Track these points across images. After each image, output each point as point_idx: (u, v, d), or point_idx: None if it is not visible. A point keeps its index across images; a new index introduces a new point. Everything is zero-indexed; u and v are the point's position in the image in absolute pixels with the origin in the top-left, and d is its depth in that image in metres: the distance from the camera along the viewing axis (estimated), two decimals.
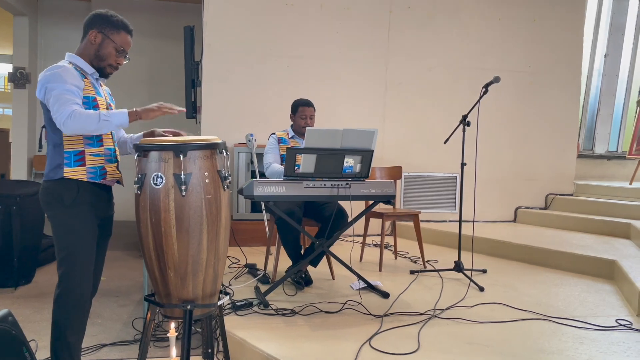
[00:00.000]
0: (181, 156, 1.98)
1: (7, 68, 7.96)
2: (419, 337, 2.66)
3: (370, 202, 3.61)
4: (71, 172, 2.18)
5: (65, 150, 2.18)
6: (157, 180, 2.00)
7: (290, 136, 3.88)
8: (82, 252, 2.22)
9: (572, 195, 6.23)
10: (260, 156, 4.74)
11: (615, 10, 7.07)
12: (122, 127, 2.19)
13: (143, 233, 2.05)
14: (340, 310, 3.07)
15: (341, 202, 3.55)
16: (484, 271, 4.08)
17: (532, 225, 5.80)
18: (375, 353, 2.46)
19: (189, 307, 2.05)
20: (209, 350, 2.31)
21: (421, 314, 3.02)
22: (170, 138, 2.19)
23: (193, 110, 5.63)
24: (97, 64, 2.29)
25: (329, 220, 3.41)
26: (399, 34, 5.75)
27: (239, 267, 4.06)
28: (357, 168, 3.28)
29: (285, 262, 3.69)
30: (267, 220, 4.79)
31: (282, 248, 3.61)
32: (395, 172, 4.60)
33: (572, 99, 6.31)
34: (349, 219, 3.55)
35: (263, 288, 3.36)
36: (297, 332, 2.73)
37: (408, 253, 4.74)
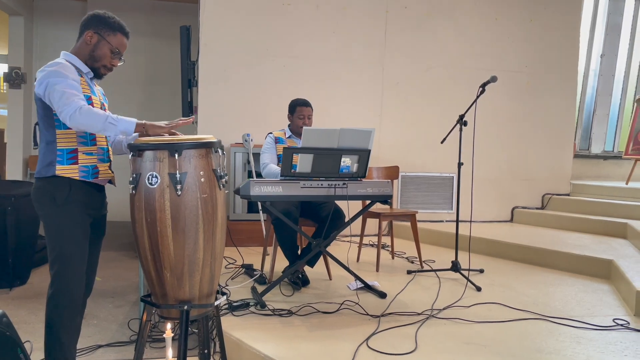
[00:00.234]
0: (176, 155, 1.97)
1: (3, 68, 7.92)
2: (416, 337, 2.65)
3: (368, 202, 3.60)
4: (63, 170, 2.17)
5: (58, 147, 2.17)
6: (152, 180, 1.98)
7: (287, 136, 3.86)
8: (74, 252, 2.20)
9: (568, 195, 6.24)
10: (257, 156, 4.73)
11: (612, 10, 7.08)
12: (126, 134, 2.16)
13: (138, 233, 2.04)
14: (338, 310, 3.06)
15: (338, 202, 3.54)
16: (481, 271, 4.08)
17: (529, 225, 5.81)
18: (372, 353, 2.45)
19: (185, 307, 2.04)
20: (206, 351, 2.29)
21: (418, 314, 3.02)
22: (166, 137, 2.18)
23: (189, 110, 5.61)
24: (91, 64, 2.28)
25: (325, 220, 3.40)
26: (396, 34, 5.75)
27: (236, 268, 4.05)
28: (354, 168, 3.27)
29: (282, 262, 3.68)
30: (264, 220, 4.78)
31: (279, 248, 3.60)
32: (392, 172, 4.59)
33: (569, 99, 6.32)
34: (346, 219, 3.54)
35: (260, 288, 3.34)
36: (294, 332, 2.72)
37: (405, 253, 4.73)
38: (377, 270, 4.09)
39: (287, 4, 5.43)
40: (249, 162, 4.96)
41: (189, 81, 5.49)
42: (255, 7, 5.36)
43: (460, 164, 3.86)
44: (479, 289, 3.56)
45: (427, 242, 5.11)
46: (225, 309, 2.99)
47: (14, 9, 7.02)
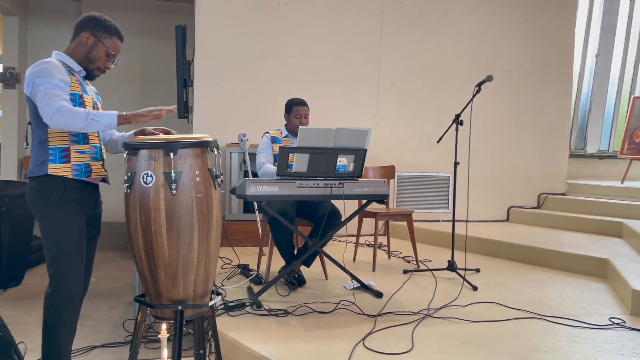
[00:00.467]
0: (171, 154, 1.96)
1: None
2: (412, 336, 2.65)
3: (364, 201, 3.60)
4: (56, 169, 2.17)
5: (50, 146, 2.17)
6: (147, 179, 1.97)
7: (284, 135, 3.85)
8: (72, 250, 2.20)
9: (564, 194, 6.25)
10: (253, 156, 4.71)
11: (607, 10, 7.10)
12: (110, 128, 2.17)
13: (133, 233, 2.02)
14: (334, 310, 3.05)
15: (334, 202, 3.53)
16: (478, 270, 4.08)
17: (525, 225, 5.82)
18: (369, 353, 2.44)
19: (179, 307, 2.02)
20: (201, 352, 2.28)
21: (415, 313, 3.01)
22: (161, 136, 2.17)
23: (185, 110, 5.58)
24: (85, 65, 2.30)
25: (322, 220, 3.39)
26: (392, 34, 5.74)
27: (232, 268, 4.03)
28: (351, 167, 3.26)
29: (278, 262, 3.67)
30: (260, 220, 4.76)
31: (275, 248, 3.59)
32: (388, 172, 4.59)
33: (564, 98, 6.33)
34: (342, 219, 3.53)
35: (256, 288, 3.33)
36: (290, 332, 2.71)
37: (401, 253, 4.73)
38: (374, 270, 4.09)
39: (282, 3, 5.42)
40: (244, 162, 4.94)
41: (185, 81, 5.46)
42: (251, 7, 5.35)
43: (456, 164, 3.86)
44: (475, 288, 3.56)
45: (423, 242, 5.11)
46: (221, 309, 2.97)
47: (8, 8, 6.99)
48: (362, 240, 4.87)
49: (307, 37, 5.51)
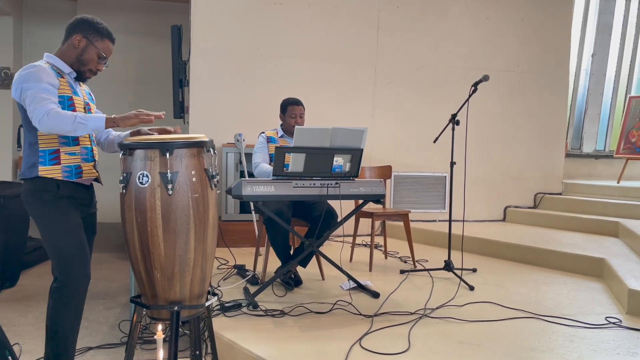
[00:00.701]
0: (167, 154, 1.95)
1: None
2: (409, 336, 2.64)
3: (360, 201, 3.59)
4: (46, 171, 2.20)
5: (40, 149, 2.20)
6: (142, 179, 1.96)
7: (279, 135, 3.85)
8: (72, 243, 2.22)
9: (560, 194, 6.26)
10: (249, 156, 4.71)
11: (603, 9, 7.12)
12: (98, 131, 2.20)
13: (129, 233, 2.01)
14: (330, 310, 3.04)
15: (331, 202, 3.52)
16: (474, 270, 4.08)
17: (521, 224, 5.82)
18: (365, 353, 2.44)
19: (175, 308, 2.02)
20: (197, 353, 2.27)
21: (411, 313, 3.01)
22: (157, 136, 2.16)
23: (181, 110, 5.59)
24: (77, 67, 2.32)
25: (318, 220, 3.38)
26: (388, 33, 5.74)
27: (228, 268, 4.02)
28: (347, 167, 3.25)
29: (274, 262, 3.66)
30: (256, 220, 4.75)
31: (271, 249, 3.58)
32: (385, 172, 4.59)
33: (560, 98, 6.34)
34: (339, 219, 3.52)
35: (252, 289, 3.32)
36: (286, 333, 2.70)
37: (398, 253, 4.73)
38: (370, 270, 4.08)
39: (278, 3, 5.41)
40: (241, 162, 4.93)
41: (180, 81, 5.47)
42: (247, 7, 5.34)
43: (452, 164, 3.86)
44: (472, 288, 3.56)
45: (420, 242, 5.11)
46: (217, 310, 2.96)
47: (3, 8, 6.96)
48: (358, 240, 4.87)
49: (304, 36, 5.50)
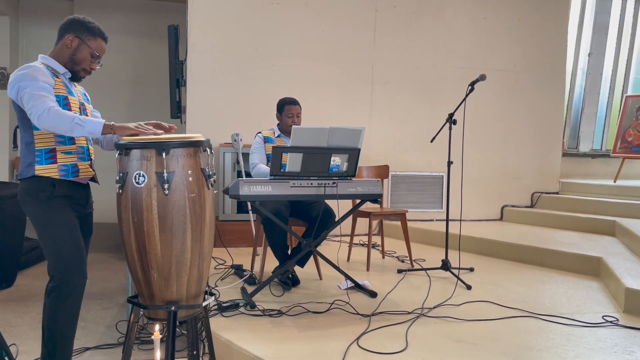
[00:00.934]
0: (164, 154, 1.95)
1: None
2: (406, 336, 2.65)
3: (358, 201, 3.59)
4: (43, 170, 2.20)
5: (36, 148, 2.21)
6: (139, 179, 1.96)
7: (276, 135, 3.84)
8: (69, 242, 2.22)
9: (557, 193, 6.27)
10: (246, 156, 4.70)
11: (599, 9, 7.13)
12: (94, 135, 2.19)
13: (125, 233, 2.01)
14: (328, 310, 3.04)
15: (328, 202, 3.52)
16: (471, 269, 4.09)
17: (518, 224, 5.83)
18: (363, 352, 2.44)
19: (172, 308, 2.01)
20: (195, 353, 2.27)
21: (409, 312, 3.01)
22: (153, 136, 2.15)
23: (178, 110, 5.58)
24: (71, 67, 2.33)
25: (315, 220, 3.38)
26: (385, 33, 5.74)
27: (225, 269, 4.02)
28: (344, 167, 3.25)
29: (272, 262, 3.66)
30: (254, 220, 4.75)
31: (268, 248, 3.58)
32: (382, 171, 4.59)
33: (557, 97, 6.35)
34: (336, 218, 3.52)
35: (249, 289, 3.32)
36: (284, 332, 2.70)
37: (395, 252, 4.73)
38: (368, 269, 4.08)
39: (275, 2, 5.41)
40: (238, 162, 4.93)
41: (177, 81, 5.45)
42: (244, 6, 5.33)
43: (449, 163, 3.86)
44: (469, 287, 3.56)
45: (417, 241, 5.11)
46: (214, 310, 2.96)
47: (0, 8, 6.94)
48: (356, 240, 4.86)
49: (301, 36, 5.50)
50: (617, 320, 2.97)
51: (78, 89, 2.43)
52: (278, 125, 3.88)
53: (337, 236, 5.21)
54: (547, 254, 4.31)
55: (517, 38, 6.13)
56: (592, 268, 3.99)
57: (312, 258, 3.71)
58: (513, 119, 6.18)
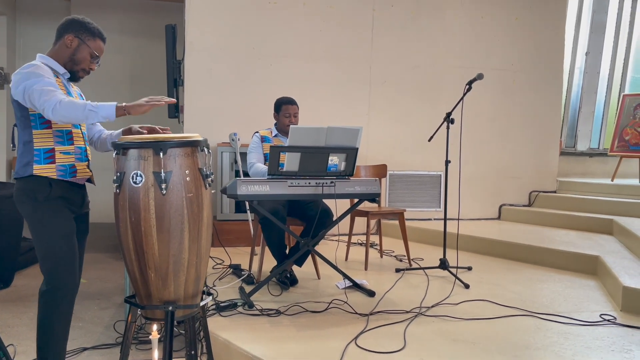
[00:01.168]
0: (161, 154, 1.95)
1: None
2: (405, 335, 2.65)
3: (356, 200, 3.59)
4: (41, 170, 2.20)
5: (35, 147, 2.20)
6: (136, 179, 1.96)
7: (273, 135, 3.84)
8: (62, 246, 2.21)
9: (555, 192, 6.28)
10: (244, 155, 4.70)
11: (596, 8, 7.14)
12: (108, 119, 2.17)
13: (122, 233, 2.01)
14: (326, 309, 3.04)
15: (326, 201, 3.52)
16: (469, 268, 4.09)
17: (516, 223, 5.84)
18: (361, 352, 2.44)
19: (170, 308, 2.01)
20: (193, 353, 2.27)
21: (407, 312, 3.01)
22: (150, 136, 2.15)
23: (175, 109, 5.57)
24: (70, 67, 2.33)
25: (313, 219, 3.38)
26: (383, 33, 5.74)
27: (223, 268, 4.02)
28: (342, 166, 3.25)
29: (270, 262, 3.66)
30: (252, 220, 4.75)
31: (266, 248, 3.58)
32: (380, 171, 4.59)
33: (554, 96, 6.36)
34: (334, 218, 3.52)
35: (248, 288, 3.32)
36: (282, 332, 2.70)
37: (393, 251, 4.73)
38: (366, 268, 4.08)
39: (273, 2, 5.41)
40: (236, 162, 4.92)
41: (175, 80, 5.44)
42: (241, 6, 5.33)
43: (447, 162, 3.86)
44: (467, 286, 3.57)
45: (415, 241, 5.11)
46: (212, 310, 2.96)
47: None
48: (354, 239, 4.87)
49: (298, 36, 5.49)
50: (615, 318, 2.97)
51: (74, 90, 2.43)
52: (275, 124, 3.88)
53: (335, 235, 5.21)
54: (544, 253, 4.32)
55: (514, 37, 6.14)
56: (590, 267, 3.99)
57: (310, 257, 3.71)
58: (510, 118, 6.18)
